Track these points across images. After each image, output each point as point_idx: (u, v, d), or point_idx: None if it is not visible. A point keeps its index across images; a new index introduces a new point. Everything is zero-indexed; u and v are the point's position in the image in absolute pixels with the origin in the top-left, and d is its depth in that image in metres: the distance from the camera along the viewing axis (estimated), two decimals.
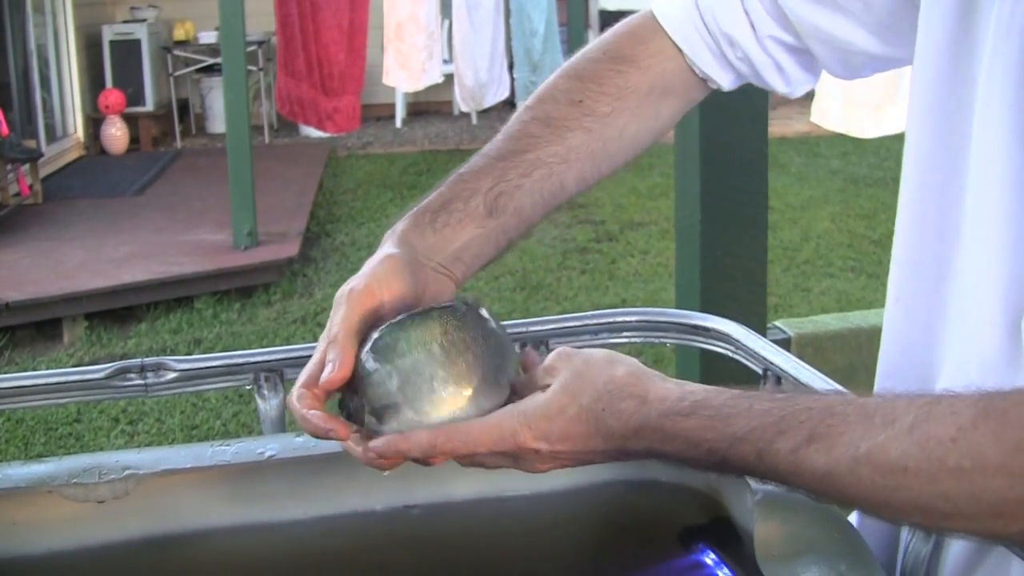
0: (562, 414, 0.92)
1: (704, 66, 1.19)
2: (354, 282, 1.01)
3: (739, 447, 0.85)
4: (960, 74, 0.98)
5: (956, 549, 1.00)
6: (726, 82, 1.21)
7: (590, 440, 0.92)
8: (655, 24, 1.20)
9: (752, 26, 1.17)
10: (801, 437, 0.82)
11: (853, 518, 1.08)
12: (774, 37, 1.17)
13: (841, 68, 1.18)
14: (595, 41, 1.22)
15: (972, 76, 0.96)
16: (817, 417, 0.83)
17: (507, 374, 0.98)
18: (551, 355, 0.97)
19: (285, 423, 1.30)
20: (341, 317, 0.98)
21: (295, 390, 0.98)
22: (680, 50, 1.19)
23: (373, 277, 1.02)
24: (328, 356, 0.96)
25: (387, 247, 1.07)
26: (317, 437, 0.97)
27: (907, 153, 1.06)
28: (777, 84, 1.21)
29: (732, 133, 2.55)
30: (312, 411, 0.95)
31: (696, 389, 0.91)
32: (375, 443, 0.94)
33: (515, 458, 0.94)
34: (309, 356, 1.29)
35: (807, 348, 2.36)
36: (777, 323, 2.44)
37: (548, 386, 0.94)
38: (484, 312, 0.98)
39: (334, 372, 0.95)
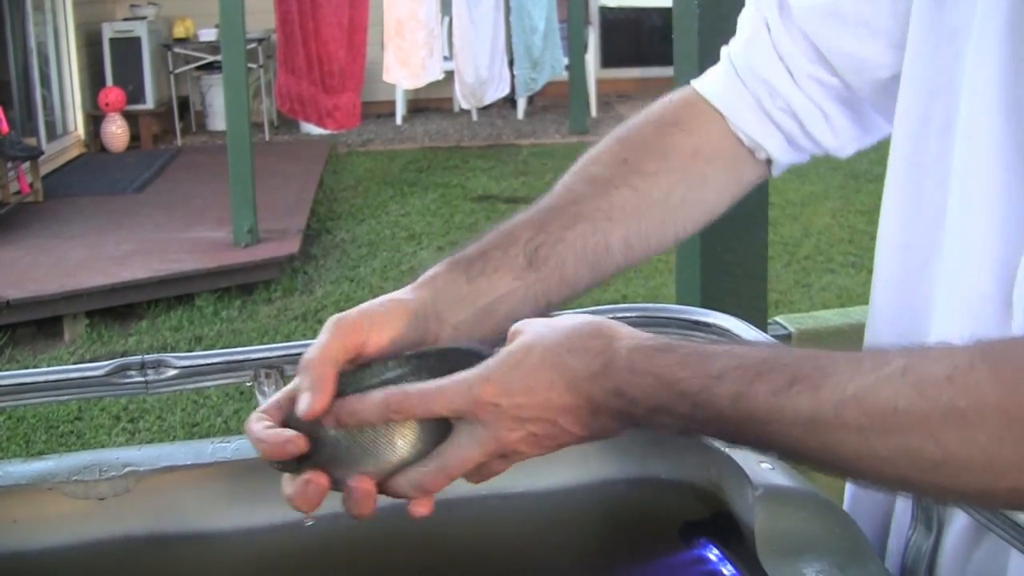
0: (523, 364, 0.85)
1: (746, 126, 1.14)
2: (345, 312, 0.95)
3: (714, 388, 0.79)
4: (944, 53, 0.98)
5: (955, 542, 1.00)
6: (773, 146, 1.15)
7: (553, 389, 0.84)
8: (697, 93, 1.18)
9: (788, 70, 1.13)
10: (784, 379, 0.77)
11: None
12: (813, 76, 1.12)
13: (884, 104, 1.12)
14: (640, 112, 1.18)
15: (957, 54, 0.96)
16: (802, 360, 0.78)
17: None
18: (514, 325, 0.91)
19: None
20: (318, 343, 0.91)
21: (254, 414, 0.91)
22: (720, 113, 1.15)
23: (366, 314, 0.95)
24: (303, 384, 0.89)
25: (404, 290, 1.00)
26: (273, 458, 0.89)
27: (895, 136, 1.06)
28: (825, 136, 1.15)
29: None
30: (266, 431, 0.88)
31: (668, 334, 0.88)
32: (336, 406, 0.87)
33: (479, 426, 0.86)
34: None
35: (808, 344, 2.35)
36: (778, 319, 2.43)
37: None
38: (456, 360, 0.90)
39: (314, 402, 0.88)
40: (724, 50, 1.19)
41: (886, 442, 0.73)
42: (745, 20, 1.18)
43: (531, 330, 0.88)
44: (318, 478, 0.88)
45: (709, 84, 1.17)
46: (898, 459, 0.74)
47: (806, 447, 0.77)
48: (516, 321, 0.96)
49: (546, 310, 1.04)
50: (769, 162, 1.17)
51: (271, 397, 0.94)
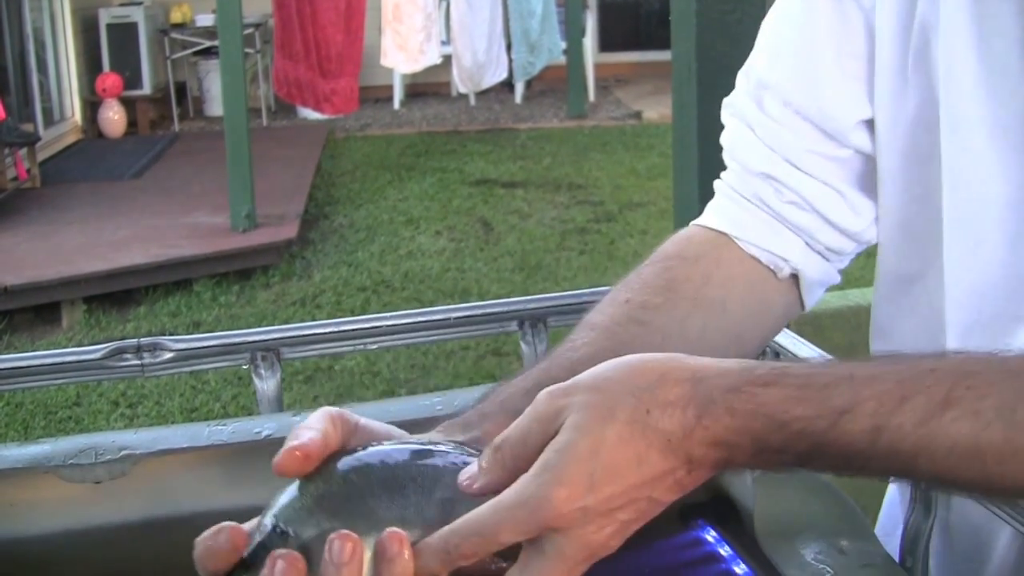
0: (601, 447, 0.70)
1: (757, 239, 1.04)
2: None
3: (845, 425, 0.68)
4: (921, 86, 0.95)
5: (954, 524, 1.00)
6: (792, 252, 1.05)
7: (645, 463, 0.71)
8: (697, 225, 1.09)
9: (786, 159, 1.02)
10: (932, 404, 0.67)
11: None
12: (813, 151, 1.02)
13: None
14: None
15: (932, 87, 0.94)
16: (948, 379, 0.68)
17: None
18: (539, 398, 0.74)
19: (283, 403, 1.30)
20: (316, 416, 0.79)
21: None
22: (726, 235, 1.05)
23: (362, 418, 0.83)
24: (305, 435, 0.77)
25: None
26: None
27: (879, 172, 1.02)
28: (846, 218, 1.04)
29: None
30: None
31: (763, 361, 0.77)
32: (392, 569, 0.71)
33: (560, 537, 0.71)
34: (306, 335, 1.30)
35: (806, 326, 2.34)
36: None
37: (559, 429, 0.72)
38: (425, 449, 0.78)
39: (299, 457, 0.76)
40: (716, 183, 1.11)
41: None
42: (725, 140, 1.09)
43: (580, 397, 0.73)
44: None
45: (708, 216, 1.08)
46: None
47: (962, 477, 0.68)
48: None
49: None
50: (794, 284, 1.07)
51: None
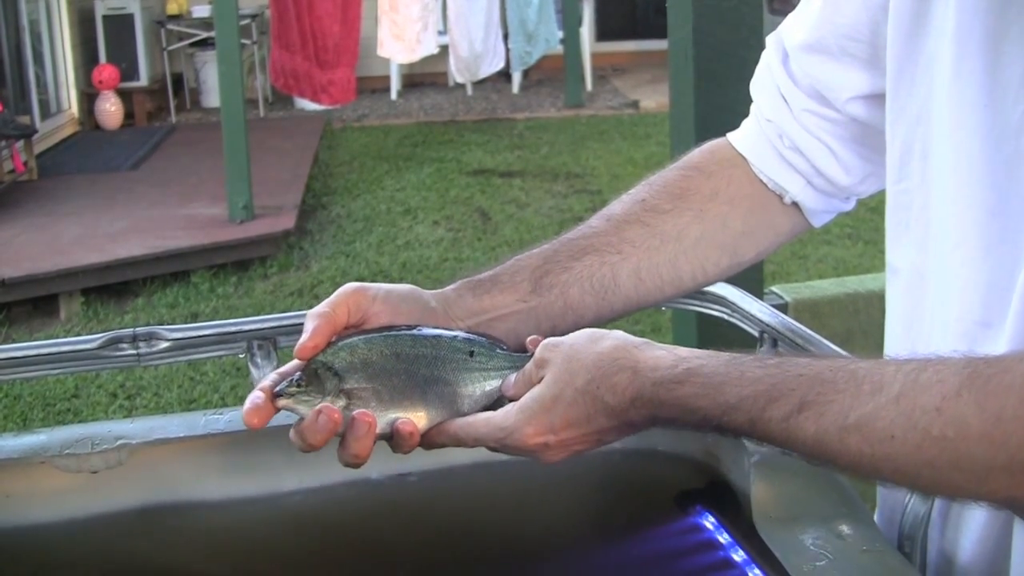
0: (559, 401, 0.93)
1: (766, 168, 1.17)
2: (366, 283, 1.04)
3: (732, 415, 0.86)
4: (921, 80, 0.98)
5: (953, 509, 1.00)
6: (794, 187, 1.16)
7: (592, 420, 0.93)
8: (726, 140, 1.21)
9: (789, 109, 1.15)
10: (792, 405, 0.83)
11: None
12: (809, 110, 1.13)
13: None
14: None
15: (932, 81, 0.96)
16: (807, 385, 0.83)
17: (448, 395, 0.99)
18: (539, 347, 0.98)
19: None
20: (329, 299, 1.01)
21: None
22: (743, 157, 1.18)
23: (382, 288, 1.04)
24: (307, 325, 0.99)
25: (423, 291, 1.08)
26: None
27: (887, 163, 1.06)
28: (836, 173, 1.15)
29: (728, 99, 2.54)
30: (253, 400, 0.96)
31: (687, 355, 0.91)
32: (434, 430, 0.98)
33: (526, 455, 0.96)
34: (302, 324, 1.30)
35: (804, 313, 2.34)
36: (774, 288, 2.43)
37: (542, 379, 0.95)
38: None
39: (306, 340, 0.97)
40: (752, 106, 1.21)
41: (887, 464, 0.80)
42: (755, 75, 1.20)
43: (558, 360, 0.95)
44: (330, 412, 0.94)
45: (737, 132, 1.20)
46: (899, 478, 0.82)
47: (819, 460, 0.85)
48: (516, 338, 1.06)
49: (551, 333, 1.07)
50: (799, 209, 1.18)
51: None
